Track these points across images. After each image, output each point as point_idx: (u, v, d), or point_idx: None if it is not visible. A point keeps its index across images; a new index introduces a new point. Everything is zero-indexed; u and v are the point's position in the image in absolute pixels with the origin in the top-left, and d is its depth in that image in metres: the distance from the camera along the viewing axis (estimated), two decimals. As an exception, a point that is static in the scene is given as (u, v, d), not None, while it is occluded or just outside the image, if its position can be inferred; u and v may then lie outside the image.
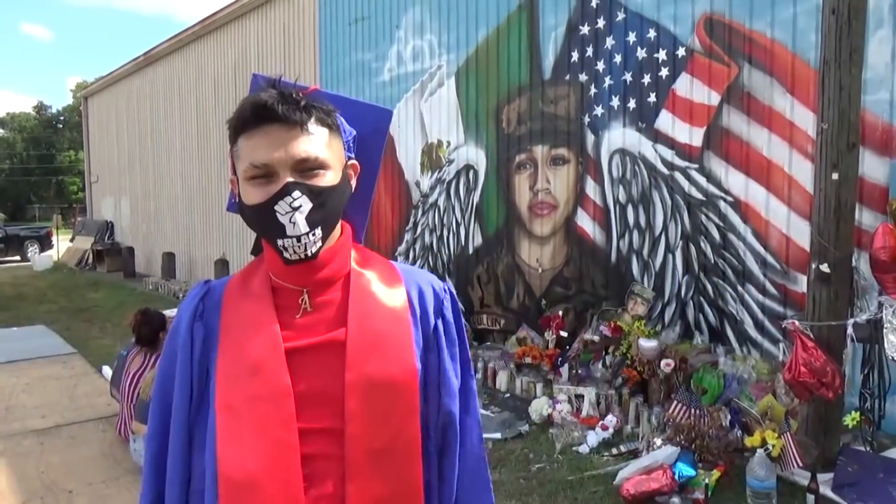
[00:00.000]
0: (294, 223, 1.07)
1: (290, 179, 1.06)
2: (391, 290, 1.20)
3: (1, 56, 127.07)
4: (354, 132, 1.25)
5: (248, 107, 1.08)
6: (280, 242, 1.09)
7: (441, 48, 7.34)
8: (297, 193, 1.06)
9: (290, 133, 1.07)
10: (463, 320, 1.31)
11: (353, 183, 1.22)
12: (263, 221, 1.09)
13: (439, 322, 1.22)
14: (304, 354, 1.11)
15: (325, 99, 1.17)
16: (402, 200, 7.96)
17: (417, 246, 7.76)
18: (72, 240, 19.63)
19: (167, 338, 1.22)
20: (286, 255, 1.10)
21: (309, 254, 1.10)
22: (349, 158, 1.21)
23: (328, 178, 1.10)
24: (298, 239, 1.08)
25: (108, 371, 5.80)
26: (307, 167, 1.08)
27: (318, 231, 1.09)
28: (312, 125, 1.09)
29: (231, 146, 1.14)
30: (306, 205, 1.07)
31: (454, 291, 1.31)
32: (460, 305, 1.32)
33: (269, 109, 1.06)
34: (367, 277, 1.20)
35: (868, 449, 3.75)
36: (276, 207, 1.06)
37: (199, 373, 1.14)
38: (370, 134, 1.30)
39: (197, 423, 1.14)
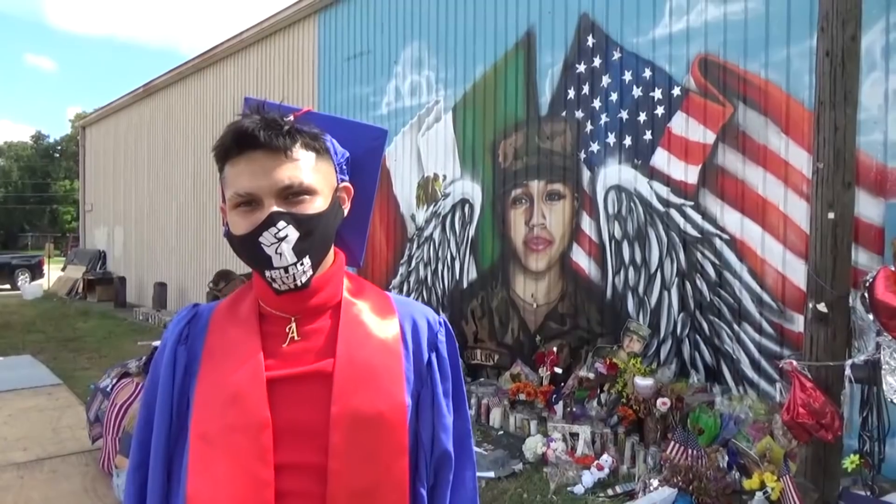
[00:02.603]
0: (280, 254, 1.04)
1: (275, 209, 1.03)
2: (383, 321, 1.15)
3: (3, 86, 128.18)
4: (347, 153, 1.21)
5: (230, 134, 1.06)
6: (268, 274, 1.06)
7: (438, 84, 7.42)
8: (282, 223, 1.03)
9: (274, 160, 1.04)
10: (459, 357, 1.27)
11: (347, 206, 1.19)
12: (250, 252, 1.06)
13: (433, 356, 1.18)
14: (288, 384, 1.07)
15: (318, 120, 1.15)
16: (397, 233, 7.94)
17: (412, 279, 7.72)
18: (63, 269, 19.50)
19: (151, 364, 1.17)
20: (275, 285, 1.07)
21: (299, 283, 1.07)
22: (342, 181, 1.17)
23: (316, 205, 1.07)
24: (286, 270, 1.05)
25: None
26: (292, 193, 1.05)
27: (307, 260, 1.06)
28: (297, 150, 1.06)
29: (220, 174, 1.11)
30: (292, 234, 1.04)
31: (450, 326, 1.26)
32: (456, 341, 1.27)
33: (250, 136, 1.03)
34: (359, 307, 1.16)
35: (868, 493, 3.67)
36: (261, 239, 1.03)
37: (178, 400, 1.10)
38: (365, 154, 1.25)
39: (175, 453, 1.09)
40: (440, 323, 1.22)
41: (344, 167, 1.19)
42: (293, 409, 1.06)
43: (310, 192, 1.07)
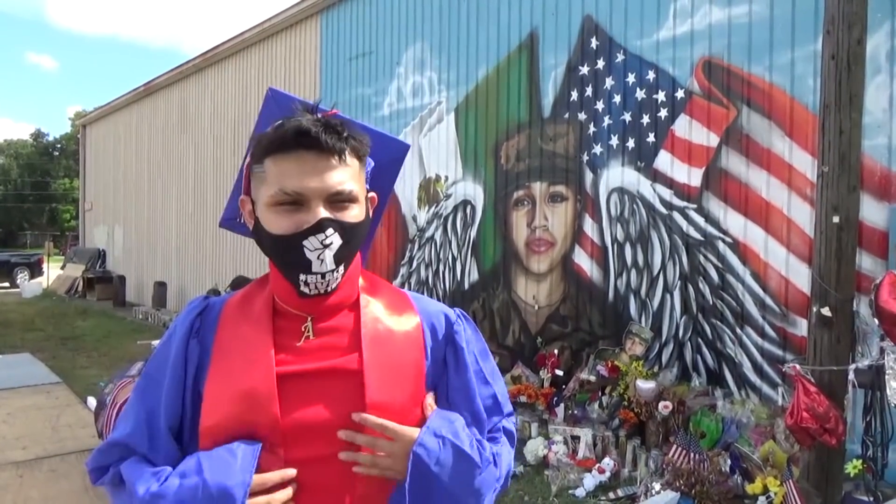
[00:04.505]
0: (322, 260, 1.04)
1: (325, 215, 1.03)
2: (403, 318, 1.17)
3: (5, 85, 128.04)
4: (373, 163, 1.22)
5: (289, 130, 1.03)
6: (303, 277, 1.05)
7: (441, 85, 7.41)
8: (330, 231, 1.03)
9: (327, 162, 1.04)
10: (483, 342, 1.29)
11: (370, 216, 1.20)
12: (287, 253, 1.05)
13: (450, 350, 1.20)
14: (303, 380, 1.08)
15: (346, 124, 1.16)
16: (399, 234, 7.93)
17: (413, 280, 7.70)
18: (62, 267, 19.47)
19: (159, 346, 1.17)
20: (305, 289, 1.07)
21: (329, 289, 1.08)
22: (368, 190, 1.18)
23: (357, 213, 1.08)
24: (323, 276, 1.05)
25: (93, 402, 5.65)
26: (339, 199, 1.05)
27: (342, 268, 1.07)
28: (348, 156, 1.06)
29: (252, 164, 1.09)
30: (337, 241, 1.04)
31: (469, 318, 1.28)
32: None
33: (311, 137, 1.02)
34: (377, 305, 1.17)
35: (871, 499, 3.66)
36: (306, 243, 1.03)
37: (192, 397, 1.09)
38: (386, 165, 1.28)
39: (189, 447, 1.08)
40: (459, 316, 1.24)
41: (368, 176, 1.21)
42: (308, 404, 1.06)
43: (353, 199, 1.07)
